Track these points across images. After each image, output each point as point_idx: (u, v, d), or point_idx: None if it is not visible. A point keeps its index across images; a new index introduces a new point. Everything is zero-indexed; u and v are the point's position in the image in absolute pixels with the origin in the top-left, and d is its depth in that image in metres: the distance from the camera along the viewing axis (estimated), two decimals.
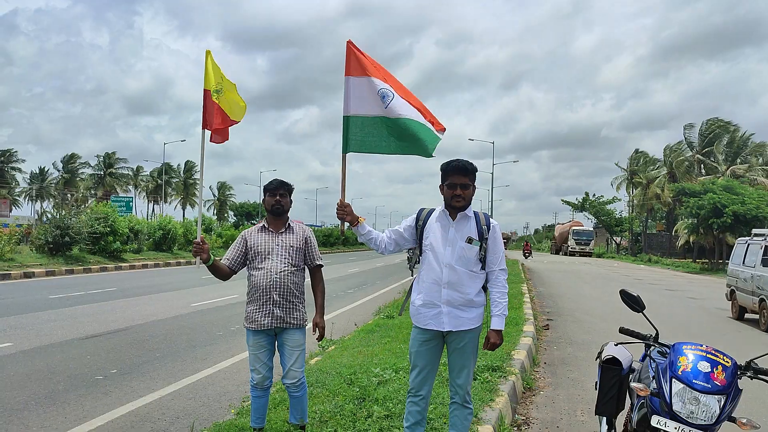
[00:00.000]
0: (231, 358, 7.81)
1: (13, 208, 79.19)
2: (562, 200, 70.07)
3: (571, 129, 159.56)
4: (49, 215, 24.08)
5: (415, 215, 3.81)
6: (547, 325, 10.82)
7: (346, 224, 3.73)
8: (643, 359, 3.73)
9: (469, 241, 3.58)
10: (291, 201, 4.15)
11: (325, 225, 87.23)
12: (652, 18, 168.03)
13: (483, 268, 3.66)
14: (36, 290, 15.50)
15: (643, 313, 3.59)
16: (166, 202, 79.77)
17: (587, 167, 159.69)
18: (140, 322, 10.58)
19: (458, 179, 3.58)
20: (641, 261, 49.44)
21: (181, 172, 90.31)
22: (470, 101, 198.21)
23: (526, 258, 41.78)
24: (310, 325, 4.12)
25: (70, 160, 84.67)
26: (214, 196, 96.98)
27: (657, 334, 3.58)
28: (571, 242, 62.24)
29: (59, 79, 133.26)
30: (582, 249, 61.09)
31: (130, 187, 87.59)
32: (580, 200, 67.36)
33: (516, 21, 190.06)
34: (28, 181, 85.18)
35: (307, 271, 4.18)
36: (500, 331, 3.63)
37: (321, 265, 4.18)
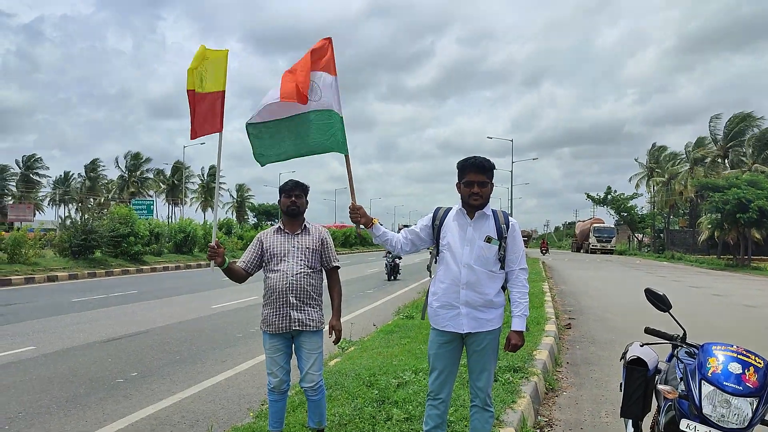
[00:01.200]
0: (250, 360, 7.80)
1: (37, 212, 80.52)
2: (587, 194, 69.27)
3: (593, 125, 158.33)
4: (70, 220, 24.36)
5: (431, 214, 3.74)
6: (569, 324, 10.67)
7: (361, 226, 3.67)
8: (669, 359, 3.61)
9: (488, 240, 3.50)
10: (307, 202, 4.10)
11: (345, 225, 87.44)
12: (679, 10, 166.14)
13: (502, 267, 3.57)
14: (59, 294, 15.69)
15: (669, 313, 3.48)
16: (186, 204, 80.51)
17: (609, 164, 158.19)
18: (161, 325, 10.63)
19: (475, 177, 3.50)
20: (664, 258, 48.73)
21: (205, 175, 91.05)
22: (492, 99, 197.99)
23: (543, 255, 42.22)
24: (327, 328, 4.08)
25: (92, 165, 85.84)
26: (233, 197, 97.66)
27: (684, 334, 3.46)
28: (592, 239, 61.67)
29: (84, 84, 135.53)
30: (603, 246, 60.48)
31: (151, 192, 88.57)
32: (601, 196, 66.69)
33: (540, 17, 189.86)
34: (53, 185, 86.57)
35: (324, 273, 4.12)
36: (521, 332, 3.54)
37: (338, 267, 4.13)
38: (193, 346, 8.82)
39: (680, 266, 37.15)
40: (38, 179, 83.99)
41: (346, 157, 3.91)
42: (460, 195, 3.61)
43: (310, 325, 3.90)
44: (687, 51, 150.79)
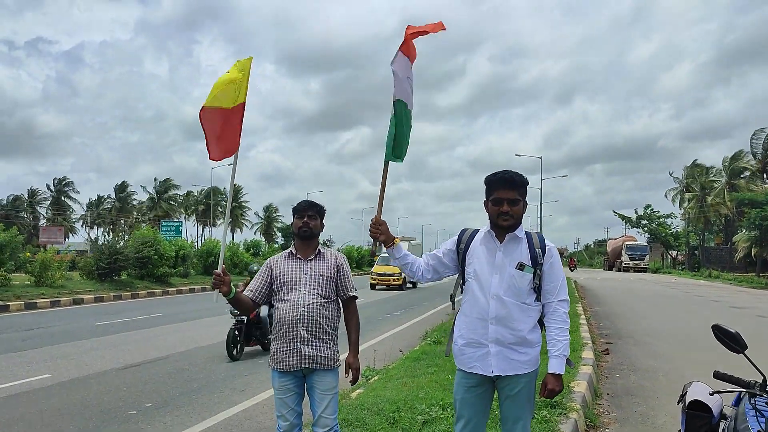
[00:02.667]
0: (270, 390, 7.40)
1: (70, 235, 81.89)
2: (615, 212, 68.09)
3: (627, 141, 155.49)
4: (97, 242, 24.49)
5: (455, 237, 3.29)
6: (607, 349, 10.07)
7: (380, 245, 3.26)
8: (736, 403, 3.10)
9: (521, 267, 3.02)
10: (323, 225, 3.71)
11: (371, 245, 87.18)
12: (716, 23, 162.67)
13: (538, 299, 3.08)
14: (83, 317, 15.57)
15: (744, 354, 2.94)
16: (214, 225, 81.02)
17: (642, 180, 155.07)
18: (181, 350, 10.36)
19: (505, 194, 3.03)
20: (701, 276, 47.24)
21: (227, 194, 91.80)
22: (523, 116, 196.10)
23: (571, 272, 41.70)
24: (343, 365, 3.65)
25: (122, 187, 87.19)
26: (261, 218, 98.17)
27: (765, 380, 2.90)
28: (624, 258, 60.42)
29: (120, 108, 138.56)
30: (636, 264, 59.19)
31: (182, 210, 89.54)
32: (636, 214, 65.36)
33: (572, 33, 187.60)
34: (86, 208, 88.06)
35: (340, 303, 3.70)
36: (560, 375, 3.03)
37: (355, 297, 3.70)
38: (212, 373, 8.50)
39: (718, 285, 35.89)
40: (69, 202, 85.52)
41: (386, 164, 3.38)
42: (488, 215, 3.15)
43: (323, 363, 3.48)
44: (724, 64, 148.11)
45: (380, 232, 3.21)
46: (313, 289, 3.50)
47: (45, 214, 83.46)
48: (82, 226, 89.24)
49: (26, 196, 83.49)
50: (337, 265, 3.63)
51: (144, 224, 78.80)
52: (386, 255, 3.38)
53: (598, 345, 10.45)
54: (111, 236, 27.52)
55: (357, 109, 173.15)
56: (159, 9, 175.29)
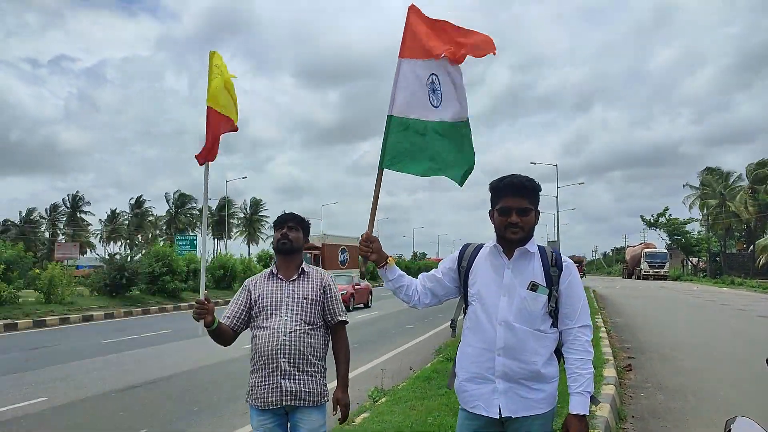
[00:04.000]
0: None
1: (88, 250, 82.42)
2: (642, 217, 67.33)
3: (646, 147, 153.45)
4: (110, 257, 24.37)
5: (456, 254, 2.83)
6: (629, 365, 9.53)
7: (372, 264, 2.82)
8: None
9: (533, 287, 2.58)
10: (307, 239, 3.29)
11: (392, 256, 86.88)
12: (739, 26, 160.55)
13: (554, 325, 2.62)
14: (91, 335, 15.30)
15: None
16: (230, 238, 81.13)
17: (662, 186, 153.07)
18: (185, 369, 10.01)
19: (514, 202, 2.59)
20: (723, 283, 46.20)
21: (248, 208, 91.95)
22: (542, 124, 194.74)
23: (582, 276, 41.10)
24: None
25: (138, 203, 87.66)
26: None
27: None
28: (644, 265, 59.43)
29: (141, 123, 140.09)
30: (656, 272, 58.16)
31: (198, 223, 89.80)
32: (655, 216, 64.46)
33: (592, 40, 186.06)
34: (104, 223, 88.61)
35: (327, 330, 3.26)
36: (584, 416, 2.53)
37: (345, 322, 3.25)
38: (215, 395, 8.14)
39: (742, 292, 34.97)
40: (86, 218, 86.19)
41: (379, 172, 2.99)
42: (494, 227, 2.69)
43: (307, 399, 3.03)
44: (746, 68, 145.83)
45: (371, 250, 2.77)
46: (296, 314, 3.06)
47: (63, 230, 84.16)
48: (99, 241, 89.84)
49: (45, 212, 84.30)
50: (324, 286, 3.19)
51: (162, 239, 79.45)
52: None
53: (620, 360, 9.92)
54: (128, 251, 27.43)
55: (374, 120, 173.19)
56: (180, 25, 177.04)
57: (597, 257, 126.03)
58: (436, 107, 3.04)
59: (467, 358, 2.65)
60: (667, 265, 60.06)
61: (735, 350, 11.27)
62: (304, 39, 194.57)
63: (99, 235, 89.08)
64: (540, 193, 2.68)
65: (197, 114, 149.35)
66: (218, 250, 77.15)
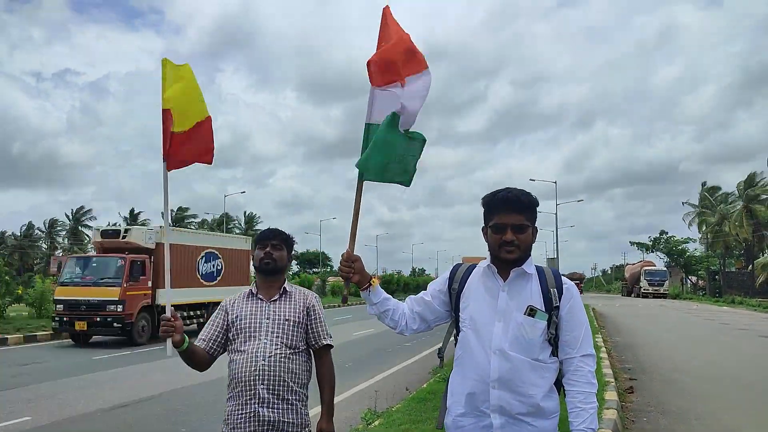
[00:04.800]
0: None
1: None
2: (631, 242, 67.38)
3: (648, 164, 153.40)
4: None
5: (447, 274, 2.60)
6: (631, 387, 9.29)
7: (354, 286, 2.58)
8: None
9: (531, 312, 2.35)
10: (291, 258, 3.07)
11: (386, 271, 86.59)
12: (741, 45, 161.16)
13: (554, 353, 2.40)
14: (82, 350, 15.03)
15: None
16: None
17: (663, 204, 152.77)
18: (178, 387, 9.75)
19: (508, 218, 2.37)
20: (723, 302, 45.91)
21: (243, 222, 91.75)
22: (544, 140, 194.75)
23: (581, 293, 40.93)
24: None
25: (133, 216, 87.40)
26: None
27: None
28: (643, 283, 59.18)
29: (144, 136, 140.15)
30: (656, 290, 57.91)
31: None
32: (652, 239, 64.28)
33: (595, 57, 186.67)
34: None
35: (311, 354, 3.02)
36: None
37: (330, 346, 3.01)
38: (205, 415, 7.90)
39: (742, 311, 34.71)
40: (86, 231, 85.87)
41: (360, 184, 2.74)
42: (487, 245, 2.47)
43: (287, 430, 2.80)
44: (748, 86, 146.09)
45: (353, 271, 2.51)
46: (277, 336, 2.83)
47: (63, 243, 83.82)
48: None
49: (44, 225, 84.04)
50: (308, 307, 2.96)
51: None
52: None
53: (621, 382, 9.68)
54: None
55: None
56: (185, 39, 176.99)
57: (596, 275, 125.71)
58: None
59: (459, 391, 2.42)
60: (667, 283, 59.85)
61: (737, 371, 11.04)
62: (308, 54, 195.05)
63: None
64: (537, 209, 2.46)
65: None
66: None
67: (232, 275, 19.87)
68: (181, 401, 8.76)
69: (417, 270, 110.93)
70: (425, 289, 2.69)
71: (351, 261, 2.51)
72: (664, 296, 57.34)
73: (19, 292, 20.17)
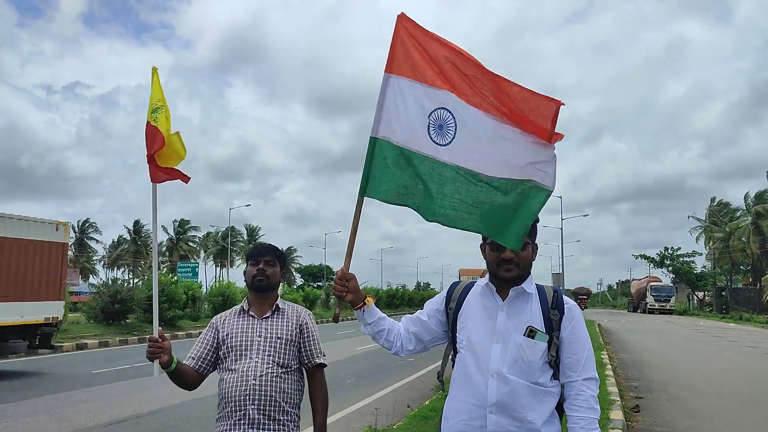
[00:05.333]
0: None
1: (91, 276, 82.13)
2: (634, 255, 66.86)
3: (655, 180, 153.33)
4: (119, 282, 24.13)
5: (444, 293, 2.52)
6: (637, 405, 9.13)
7: (348, 305, 2.49)
8: None
9: (531, 333, 2.26)
10: (283, 274, 2.99)
11: (391, 286, 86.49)
12: (749, 61, 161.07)
13: (556, 377, 2.30)
14: (82, 364, 14.92)
15: None
16: (232, 266, 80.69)
17: (669, 219, 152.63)
18: (176, 402, 9.62)
19: None
20: (730, 319, 45.51)
21: (244, 235, 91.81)
22: None
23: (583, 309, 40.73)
24: None
25: (137, 228, 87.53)
26: None
27: None
28: (649, 299, 58.81)
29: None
30: (662, 306, 57.51)
31: (202, 252, 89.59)
32: (659, 255, 63.87)
33: (603, 72, 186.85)
34: (107, 249, 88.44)
35: (304, 373, 2.93)
36: None
37: (323, 365, 2.91)
38: (204, 429, 7.79)
39: (749, 328, 34.38)
40: (92, 244, 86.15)
41: (359, 200, 2.60)
42: (486, 263, 2.40)
43: None
44: (756, 102, 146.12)
45: (347, 290, 2.41)
46: (268, 355, 2.74)
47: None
48: (103, 267, 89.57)
49: None
50: (300, 324, 2.87)
51: (164, 266, 79.23)
52: None
53: (627, 400, 9.52)
54: (129, 278, 27.16)
55: None
56: (195, 53, 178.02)
57: (602, 290, 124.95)
58: (442, 145, 2.49)
59: (455, 416, 2.32)
60: (673, 299, 59.45)
61: (744, 390, 10.86)
62: (316, 68, 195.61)
63: (102, 261, 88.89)
64: (537, 225, 2.38)
65: (207, 142, 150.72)
66: (219, 278, 76.96)
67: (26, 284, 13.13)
68: (181, 416, 8.65)
69: (422, 284, 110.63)
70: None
71: (346, 280, 2.43)
72: (670, 312, 56.91)
73: None
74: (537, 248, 2.39)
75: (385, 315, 2.52)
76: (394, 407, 8.71)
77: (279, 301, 2.90)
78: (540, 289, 2.37)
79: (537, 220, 2.38)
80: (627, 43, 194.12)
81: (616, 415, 7.54)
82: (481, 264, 2.57)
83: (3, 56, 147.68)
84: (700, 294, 66.17)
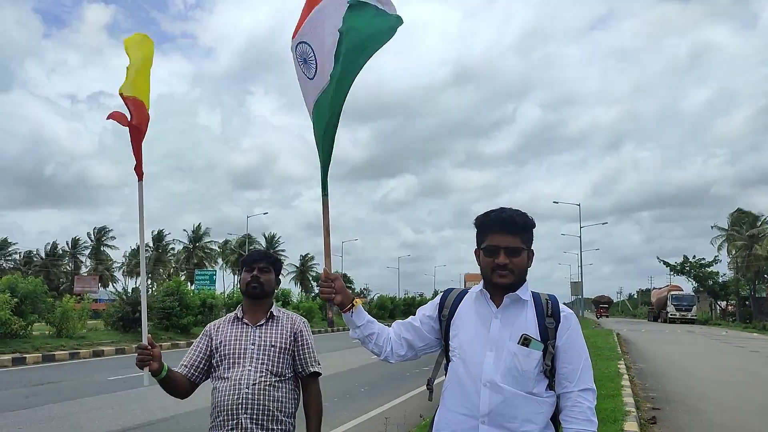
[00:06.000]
0: None
1: (110, 284, 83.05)
2: (659, 258, 65.81)
3: (678, 187, 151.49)
4: (124, 293, 24.35)
5: (437, 299, 2.46)
6: (654, 417, 8.93)
7: (336, 308, 2.42)
8: None
9: (525, 341, 2.19)
10: (279, 281, 2.95)
11: (408, 294, 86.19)
12: None
13: (551, 387, 2.24)
14: (98, 370, 15.03)
15: None
16: None
17: (692, 227, 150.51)
18: (189, 409, 9.60)
19: (502, 239, 2.22)
20: (754, 329, 44.65)
21: (263, 243, 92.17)
22: (571, 163, 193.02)
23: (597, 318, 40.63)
24: None
25: (159, 236, 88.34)
26: (297, 267, 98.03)
27: None
28: (670, 308, 57.97)
29: (173, 158, 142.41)
30: (683, 315, 56.65)
31: (219, 260, 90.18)
32: (679, 263, 62.98)
33: (626, 80, 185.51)
34: (127, 257, 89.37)
35: (298, 382, 2.89)
36: None
37: (318, 374, 2.87)
38: None
39: None
40: (109, 251, 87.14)
41: (324, 201, 2.63)
42: (480, 268, 2.33)
43: None
44: None
45: (335, 291, 2.36)
46: (262, 363, 2.71)
47: (85, 263, 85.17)
48: (123, 275, 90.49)
49: (67, 245, 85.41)
50: (295, 332, 2.83)
51: (182, 273, 79.95)
52: None
53: (643, 412, 9.33)
54: (151, 285, 27.49)
55: (403, 158, 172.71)
56: (216, 62, 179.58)
57: (622, 299, 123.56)
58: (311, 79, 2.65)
59: (446, 426, 2.27)
60: (695, 308, 58.54)
61: (766, 403, 10.61)
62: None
63: (122, 269, 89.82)
64: (534, 231, 2.32)
65: (228, 150, 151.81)
66: (236, 286, 77.27)
67: None
68: (193, 424, 8.63)
69: (439, 292, 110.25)
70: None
71: (331, 280, 2.37)
72: (692, 322, 56.04)
73: (50, 300, 20.38)
74: (533, 255, 2.32)
75: (374, 319, 2.47)
76: (405, 417, 8.62)
77: (273, 309, 2.87)
78: (536, 296, 2.31)
79: (533, 225, 2.32)
80: (650, 49, 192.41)
81: (631, 426, 7.37)
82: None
83: (29, 66, 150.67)
84: (723, 303, 65.13)
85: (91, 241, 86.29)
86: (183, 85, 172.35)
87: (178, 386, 2.79)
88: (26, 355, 16.51)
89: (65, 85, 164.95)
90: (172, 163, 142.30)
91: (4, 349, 16.69)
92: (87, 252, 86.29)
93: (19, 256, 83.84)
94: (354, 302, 2.38)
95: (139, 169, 2.89)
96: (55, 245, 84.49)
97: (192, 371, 2.83)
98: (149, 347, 2.61)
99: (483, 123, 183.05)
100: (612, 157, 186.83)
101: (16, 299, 18.12)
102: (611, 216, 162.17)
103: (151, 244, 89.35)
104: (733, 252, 61.73)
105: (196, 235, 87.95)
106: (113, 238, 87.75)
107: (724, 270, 64.38)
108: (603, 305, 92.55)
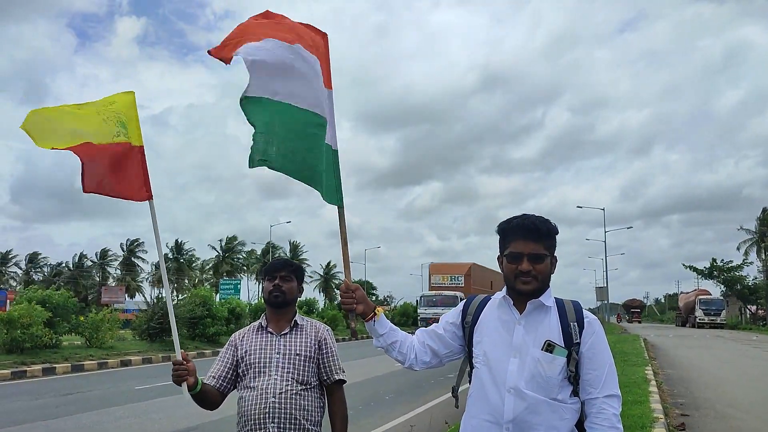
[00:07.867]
0: None
1: (137, 294, 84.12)
2: (684, 264, 64.65)
3: (708, 190, 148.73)
4: (155, 301, 24.69)
5: (460, 307, 2.47)
6: (682, 424, 8.78)
7: (358, 317, 2.45)
8: None
9: (549, 348, 2.19)
10: (301, 289, 2.98)
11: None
12: None
13: (575, 393, 2.22)
14: (125, 380, 15.22)
15: None
16: None
17: (723, 231, 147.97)
18: (214, 419, 9.65)
19: (525, 246, 2.23)
20: None
21: (287, 251, 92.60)
22: (599, 168, 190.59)
23: (618, 322, 39.75)
24: None
25: (178, 247, 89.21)
26: (321, 275, 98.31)
27: None
28: (698, 313, 56.97)
29: (201, 168, 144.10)
30: (712, 320, 55.63)
31: (245, 268, 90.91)
32: (707, 267, 61.87)
33: (656, 82, 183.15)
34: (154, 267, 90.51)
35: (323, 390, 2.91)
36: None
37: (342, 381, 2.90)
38: None
39: None
40: (138, 262, 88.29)
41: (340, 211, 2.64)
42: (503, 274, 2.34)
43: None
44: None
45: (355, 300, 2.38)
46: (287, 372, 2.74)
47: (114, 274, 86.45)
48: (150, 285, 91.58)
49: (95, 257, 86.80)
50: (319, 340, 2.86)
51: (207, 283, 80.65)
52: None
53: (671, 418, 9.18)
54: (176, 295, 27.82)
55: (429, 164, 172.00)
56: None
57: (649, 304, 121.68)
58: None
59: None
60: (724, 312, 57.43)
61: None
62: (364, 84, 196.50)
63: (149, 279, 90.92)
64: (557, 237, 2.32)
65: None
66: (259, 295, 77.74)
67: None
68: None
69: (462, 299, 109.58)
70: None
71: (351, 290, 2.40)
72: (721, 326, 55.01)
73: (81, 319, 20.80)
74: (556, 261, 2.33)
75: (396, 327, 2.49)
76: (430, 424, 8.59)
77: (297, 317, 2.90)
78: (559, 302, 2.31)
79: (556, 232, 2.32)
80: (682, 50, 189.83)
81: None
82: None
83: (61, 81, 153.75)
84: (753, 307, 63.84)
85: (123, 252, 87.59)
86: (212, 95, 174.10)
87: (210, 398, 2.82)
88: (56, 366, 16.79)
89: (97, 97, 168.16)
90: (199, 174, 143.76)
91: (35, 360, 17.03)
92: (116, 263, 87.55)
93: (48, 268, 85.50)
94: (376, 311, 2.40)
95: (148, 191, 2.93)
96: (83, 256, 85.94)
97: (221, 382, 2.86)
98: (184, 362, 2.64)
99: (511, 128, 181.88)
100: (641, 160, 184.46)
101: (49, 313, 18.48)
102: (640, 220, 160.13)
103: (170, 255, 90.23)
104: (764, 254, 60.48)
105: (229, 246, 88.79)
106: (145, 251, 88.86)
107: (754, 273, 63.13)
108: (635, 309, 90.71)
